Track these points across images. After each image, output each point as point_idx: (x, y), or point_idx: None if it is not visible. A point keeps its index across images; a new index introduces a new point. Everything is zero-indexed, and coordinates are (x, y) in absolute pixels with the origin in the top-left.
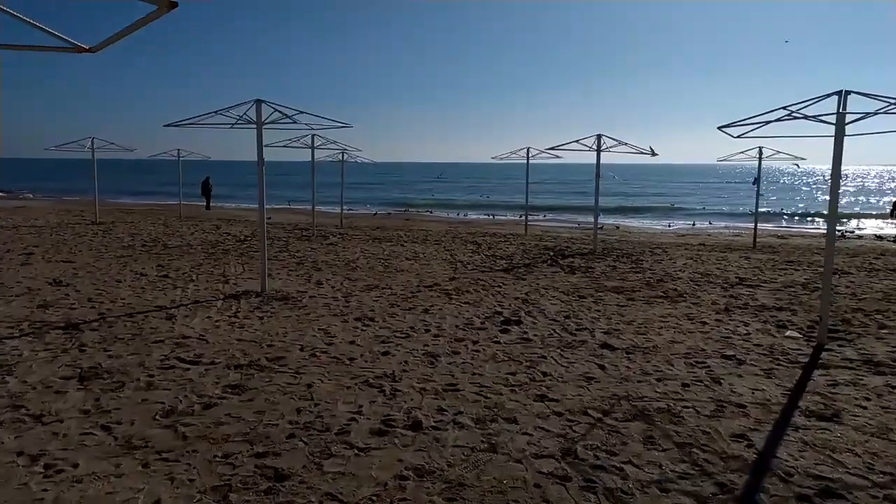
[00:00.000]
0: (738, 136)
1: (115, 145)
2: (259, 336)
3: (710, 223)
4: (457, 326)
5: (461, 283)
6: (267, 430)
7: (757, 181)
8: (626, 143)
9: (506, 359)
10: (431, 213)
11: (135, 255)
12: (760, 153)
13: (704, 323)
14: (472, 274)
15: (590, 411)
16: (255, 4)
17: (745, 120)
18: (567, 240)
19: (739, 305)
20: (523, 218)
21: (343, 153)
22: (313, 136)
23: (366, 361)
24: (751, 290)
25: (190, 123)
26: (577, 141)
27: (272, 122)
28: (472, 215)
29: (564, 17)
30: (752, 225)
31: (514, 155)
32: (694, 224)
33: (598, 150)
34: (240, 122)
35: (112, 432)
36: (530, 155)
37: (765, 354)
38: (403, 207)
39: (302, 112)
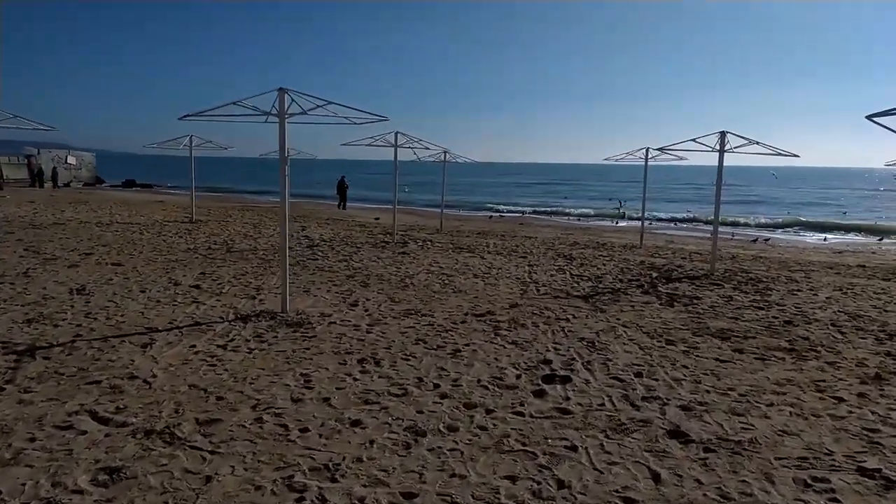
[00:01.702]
0: None
1: (212, 143)
2: (221, 380)
3: (881, 239)
4: (479, 381)
5: (521, 312)
6: None
7: None
8: (757, 143)
9: (517, 446)
10: (551, 217)
11: (188, 260)
12: None
13: (840, 399)
14: (540, 300)
15: None
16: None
17: None
18: (685, 255)
19: None
20: (650, 224)
21: (445, 153)
22: (396, 133)
23: (319, 436)
24: None
25: (207, 116)
26: (694, 139)
27: (297, 115)
28: (596, 221)
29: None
30: None
31: (630, 156)
32: (882, 239)
33: (722, 151)
34: (257, 112)
35: None
36: (649, 156)
37: None
38: (520, 211)
39: (331, 102)
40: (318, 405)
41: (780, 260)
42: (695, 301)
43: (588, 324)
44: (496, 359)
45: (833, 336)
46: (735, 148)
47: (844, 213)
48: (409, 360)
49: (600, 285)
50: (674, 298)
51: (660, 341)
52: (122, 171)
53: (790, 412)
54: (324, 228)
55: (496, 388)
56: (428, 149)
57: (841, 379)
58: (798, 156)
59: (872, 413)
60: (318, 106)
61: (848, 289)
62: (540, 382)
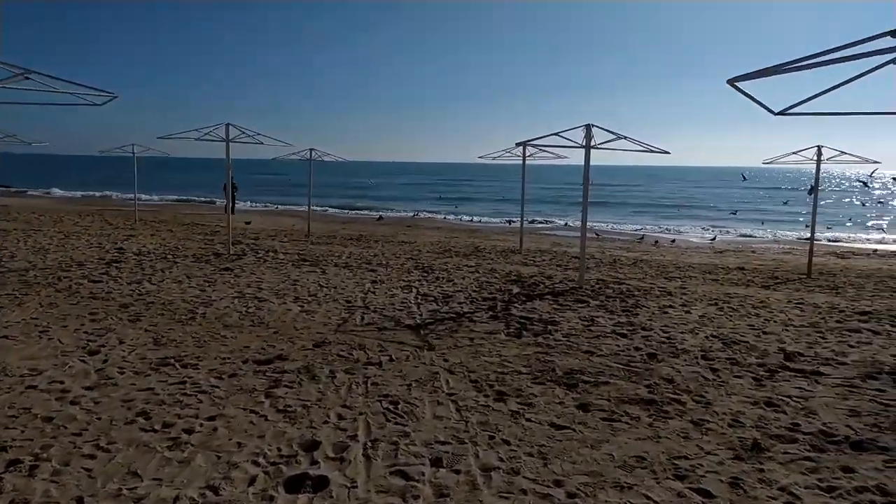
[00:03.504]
0: (782, 113)
1: (16, 138)
2: None
3: (758, 233)
4: (175, 500)
5: (324, 354)
6: None
7: (814, 190)
8: (625, 137)
9: None
10: (445, 217)
11: None
12: (819, 154)
13: (706, 495)
14: (360, 333)
15: None
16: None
17: (787, 66)
18: (562, 262)
19: (781, 432)
20: (565, 223)
21: (311, 151)
22: (228, 125)
23: None
24: (804, 383)
25: None
26: (556, 133)
27: None
28: (495, 221)
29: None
30: (803, 236)
31: (507, 154)
32: (790, 237)
33: (588, 147)
34: None
35: None
36: (527, 154)
37: None
38: (413, 212)
39: (32, 71)
40: None
41: (661, 263)
42: (549, 328)
43: (404, 370)
44: (239, 444)
45: (703, 377)
46: (600, 144)
47: (735, 212)
48: (92, 458)
49: (445, 308)
50: (525, 325)
51: (487, 396)
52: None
53: None
54: (157, 237)
55: None
56: (262, 143)
57: (709, 453)
58: (668, 152)
59: None
60: (15, 74)
61: (724, 303)
62: (279, 492)
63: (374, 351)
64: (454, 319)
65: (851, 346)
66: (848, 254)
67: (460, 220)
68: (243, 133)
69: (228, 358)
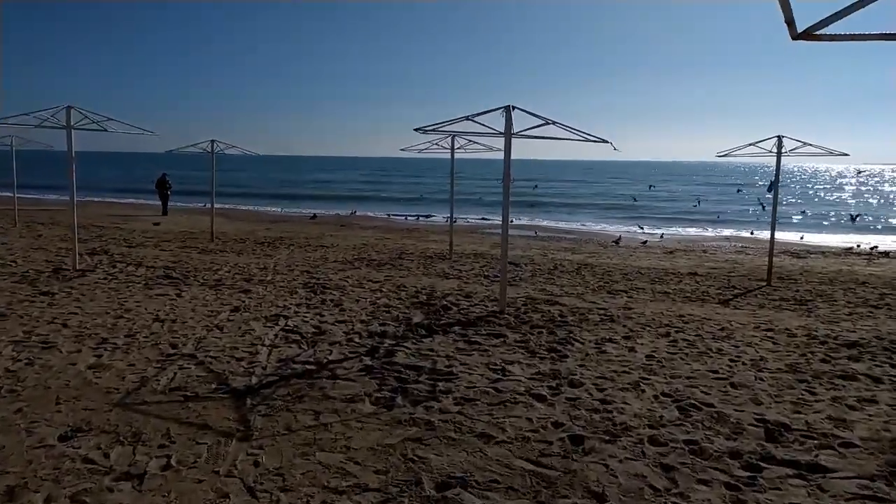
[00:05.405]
0: (804, 35)
1: None
2: None
3: (710, 230)
4: None
5: (61, 458)
6: None
7: (774, 187)
8: (553, 123)
9: None
10: (390, 216)
11: None
12: (780, 145)
13: None
14: (152, 406)
15: None
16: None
17: None
18: (490, 273)
19: None
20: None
21: (212, 143)
22: (69, 108)
23: None
24: (803, 490)
25: None
26: (468, 118)
27: None
28: (429, 221)
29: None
30: (756, 235)
31: (435, 146)
32: (741, 236)
33: (509, 135)
34: None
35: None
36: (455, 146)
37: None
38: (351, 210)
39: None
40: None
41: (606, 269)
42: (439, 387)
43: (175, 490)
44: None
45: (651, 486)
46: (523, 131)
47: (695, 205)
48: None
49: (306, 353)
50: (405, 384)
51: None
52: None
53: None
54: (2, 248)
55: None
56: (106, 130)
57: None
58: (608, 141)
59: None
60: None
61: (677, 331)
62: None
63: (151, 445)
64: (309, 375)
65: (852, 408)
66: (802, 251)
67: (405, 218)
68: (86, 118)
69: None
